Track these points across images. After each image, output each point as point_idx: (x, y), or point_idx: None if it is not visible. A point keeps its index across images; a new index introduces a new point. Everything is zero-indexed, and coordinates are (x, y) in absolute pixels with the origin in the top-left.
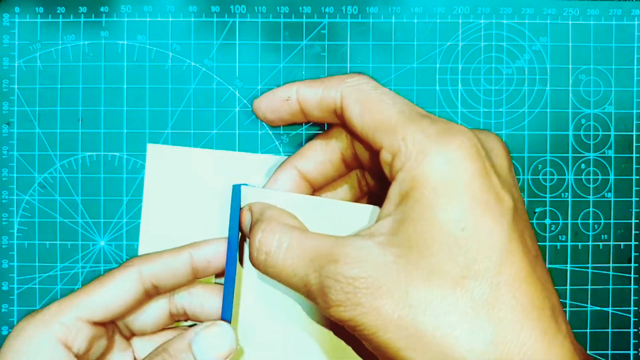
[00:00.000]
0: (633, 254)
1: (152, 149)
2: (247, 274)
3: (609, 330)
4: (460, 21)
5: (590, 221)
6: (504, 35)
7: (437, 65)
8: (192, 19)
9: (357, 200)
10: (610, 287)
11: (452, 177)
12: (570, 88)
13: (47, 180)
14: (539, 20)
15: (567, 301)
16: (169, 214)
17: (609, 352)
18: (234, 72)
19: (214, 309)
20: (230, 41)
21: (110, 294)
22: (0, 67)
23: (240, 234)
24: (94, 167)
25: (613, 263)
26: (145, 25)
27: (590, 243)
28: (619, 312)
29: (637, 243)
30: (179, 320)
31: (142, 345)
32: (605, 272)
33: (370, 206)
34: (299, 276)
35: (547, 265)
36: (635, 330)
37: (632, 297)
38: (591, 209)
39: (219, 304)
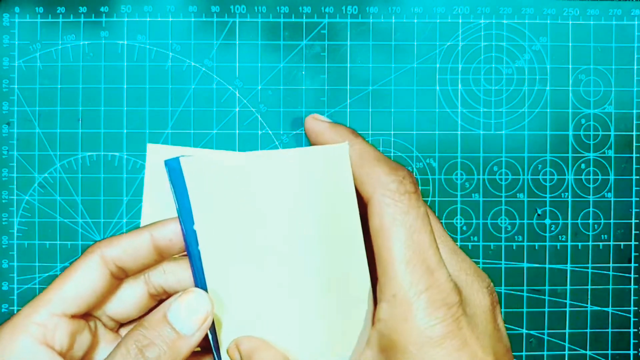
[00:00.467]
0: (633, 254)
1: (152, 149)
2: (206, 246)
3: (609, 330)
4: (460, 21)
5: (590, 221)
6: (504, 35)
7: (437, 65)
8: (192, 19)
9: None
10: (610, 287)
11: (431, 352)
12: (570, 88)
13: (47, 180)
14: (539, 20)
15: (567, 301)
16: (169, 214)
17: (609, 352)
18: (234, 72)
19: (192, 281)
20: (230, 41)
21: (77, 284)
22: (0, 67)
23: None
24: (94, 167)
25: (613, 263)
26: (145, 25)
27: (590, 243)
28: (619, 312)
29: (637, 243)
30: (162, 300)
31: None
32: (605, 272)
33: (321, 147)
34: None
35: (547, 266)
36: (635, 330)
37: (632, 297)
38: (591, 209)
39: None
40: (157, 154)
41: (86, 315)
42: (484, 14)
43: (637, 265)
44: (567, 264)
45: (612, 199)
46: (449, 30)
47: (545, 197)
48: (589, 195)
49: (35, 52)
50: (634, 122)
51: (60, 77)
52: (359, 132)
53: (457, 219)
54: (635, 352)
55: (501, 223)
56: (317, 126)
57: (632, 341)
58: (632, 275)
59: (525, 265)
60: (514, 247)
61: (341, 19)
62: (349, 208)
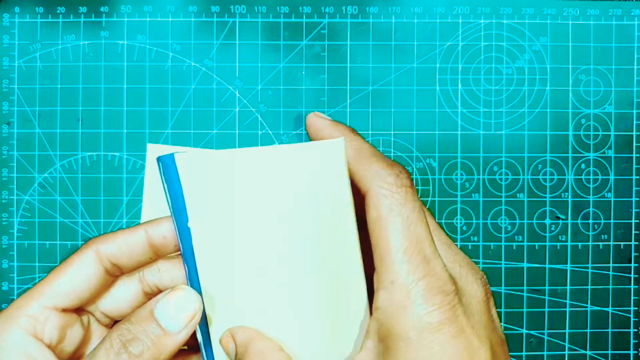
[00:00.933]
0: (633, 254)
1: (152, 149)
2: (199, 244)
3: (609, 330)
4: (460, 21)
5: (590, 221)
6: (504, 35)
7: (437, 65)
8: (192, 19)
9: None
10: (610, 287)
11: (429, 338)
12: (570, 88)
13: (47, 180)
14: (539, 20)
15: (567, 301)
16: (169, 214)
17: (609, 352)
18: (234, 72)
19: (186, 280)
20: (230, 41)
21: (70, 278)
22: (0, 67)
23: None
24: (94, 167)
25: (613, 263)
26: (145, 25)
27: (590, 243)
28: (619, 312)
29: (637, 243)
30: None
31: None
32: (605, 272)
33: (325, 142)
34: None
35: (547, 266)
36: (635, 330)
37: (632, 297)
38: (591, 209)
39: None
40: (157, 154)
41: (79, 310)
42: (484, 14)
43: (637, 265)
44: (567, 264)
45: (612, 199)
46: (449, 30)
47: (545, 197)
48: (589, 195)
49: (35, 52)
50: (634, 122)
51: (60, 77)
52: (359, 132)
53: (457, 219)
54: (635, 352)
55: (501, 223)
56: (319, 123)
57: (632, 341)
58: (632, 275)
59: (525, 265)
60: (514, 247)
61: (341, 19)
62: (344, 203)
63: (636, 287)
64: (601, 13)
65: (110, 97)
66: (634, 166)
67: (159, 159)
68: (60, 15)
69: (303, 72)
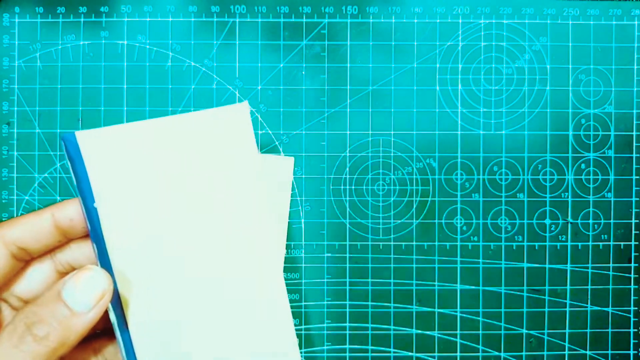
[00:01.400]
0: (633, 254)
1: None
2: (108, 224)
3: (609, 330)
4: (460, 21)
5: (590, 221)
6: (504, 35)
7: (437, 65)
8: (192, 19)
9: None
10: (610, 287)
11: None
12: (570, 88)
13: (47, 180)
14: (539, 20)
15: (567, 301)
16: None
17: (609, 352)
18: (234, 72)
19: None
20: (230, 41)
21: None
22: (0, 67)
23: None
24: None
25: (613, 263)
26: (145, 25)
27: (590, 243)
28: (619, 312)
29: (637, 243)
30: None
31: None
32: (605, 272)
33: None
34: None
35: (547, 266)
36: (635, 330)
37: (632, 297)
38: (591, 209)
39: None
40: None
41: None
42: (484, 14)
43: (637, 265)
44: (567, 264)
45: (612, 199)
46: (449, 30)
47: (545, 197)
48: (589, 195)
49: (35, 52)
50: (634, 122)
51: (60, 77)
52: (359, 132)
53: (457, 219)
54: (635, 352)
55: (501, 223)
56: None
57: (632, 341)
58: (632, 275)
59: (525, 265)
60: (514, 247)
61: (341, 19)
62: (252, 169)
63: (636, 287)
64: (601, 13)
65: (110, 97)
66: (634, 166)
67: (62, 138)
68: (60, 15)
69: (303, 72)
